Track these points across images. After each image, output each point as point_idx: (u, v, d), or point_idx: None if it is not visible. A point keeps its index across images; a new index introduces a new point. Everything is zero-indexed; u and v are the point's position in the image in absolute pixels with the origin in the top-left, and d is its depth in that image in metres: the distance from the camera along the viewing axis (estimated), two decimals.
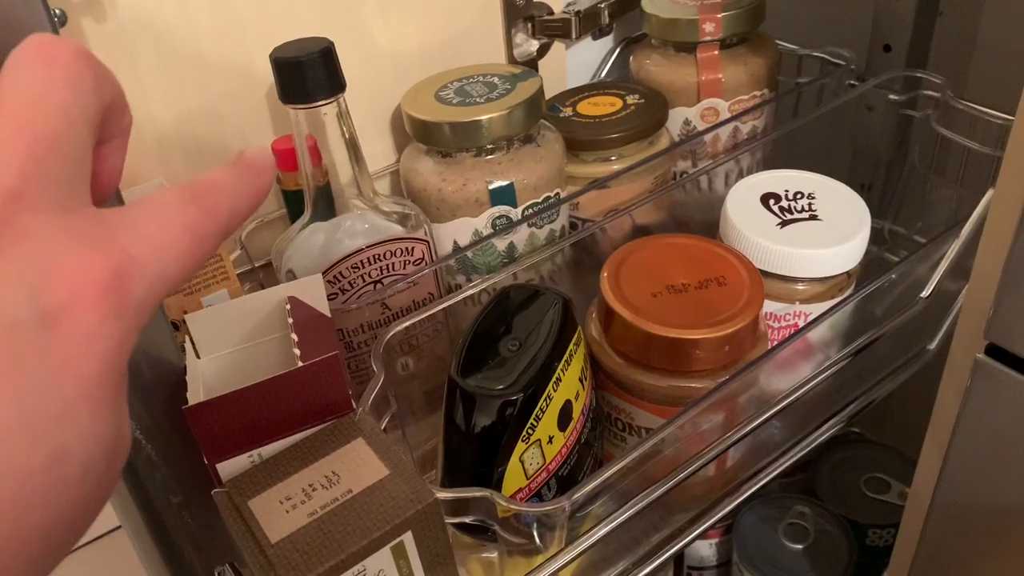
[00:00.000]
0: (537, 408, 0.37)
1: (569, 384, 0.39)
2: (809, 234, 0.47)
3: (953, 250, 0.47)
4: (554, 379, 0.38)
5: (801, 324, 0.49)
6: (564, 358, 0.39)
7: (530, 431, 0.37)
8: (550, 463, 0.39)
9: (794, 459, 0.47)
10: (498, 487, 0.37)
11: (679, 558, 0.75)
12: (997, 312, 0.41)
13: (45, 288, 0.20)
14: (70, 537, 0.21)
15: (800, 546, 0.70)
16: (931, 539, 0.51)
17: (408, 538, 0.33)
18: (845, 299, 0.46)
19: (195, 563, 0.47)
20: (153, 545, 0.45)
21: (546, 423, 0.38)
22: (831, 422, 0.49)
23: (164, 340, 0.39)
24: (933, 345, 0.52)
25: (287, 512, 0.33)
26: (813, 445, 0.48)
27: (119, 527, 0.66)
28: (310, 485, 0.34)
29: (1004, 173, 0.38)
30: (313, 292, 0.41)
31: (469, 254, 0.52)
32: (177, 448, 0.43)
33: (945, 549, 0.50)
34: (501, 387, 0.37)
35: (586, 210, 0.58)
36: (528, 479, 0.38)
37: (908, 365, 0.52)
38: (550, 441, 0.39)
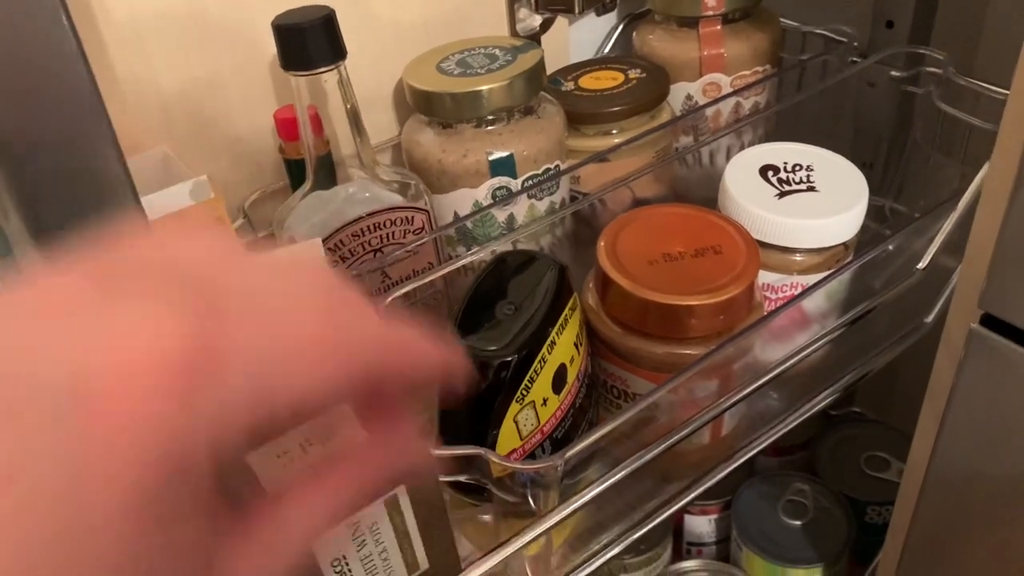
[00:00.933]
0: (531, 370, 0.38)
1: (564, 348, 0.40)
2: (807, 205, 0.48)
3: (950, 222, 0.47)
4: (548, 342, 0.39)
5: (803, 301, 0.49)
6: (559, 322, 0.39)
7: (524, 392, 0.38)
8: (544, 425, 0.39)
9: (789, 427, 0.48)
10: (492, 447, 0.38)
11: (678, 534, 0.76)
12: (991, 282, 0.41)
13: (92, 349, 0.16)
14: None
15: (799, 523, 0.71)
16: (926, 511, 0.51)
17: (402, 492, 0.33)
18: (841, 268, 0.46)
19: None
20: None
21: (540, 385, 0.38)
22: (826, 392, 0.49)
23: None
24: (930, 318, 0.52)
25: (284, 466, 0.33)
26: (808, 414, 0.48)
27: None
28: (306, 439, 0.34)
29: (999, 145, 0.39)
30: (312, 256, 0.41)
31: (469, 224, 0.52)
32: None
33: (940, 521, 0.51)
34: (495, 348, 0.37)
35: (587, 184, 0.58)
36: (522, 440, 0.39)
37: (905, 339, 0.52)
38: (544, 403, 0.39)
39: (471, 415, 0.38)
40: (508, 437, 0.38)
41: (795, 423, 0.48)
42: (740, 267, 0.43)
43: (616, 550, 0.44)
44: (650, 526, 0.45)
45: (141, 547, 0.16)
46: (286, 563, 0.21)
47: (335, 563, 0.33)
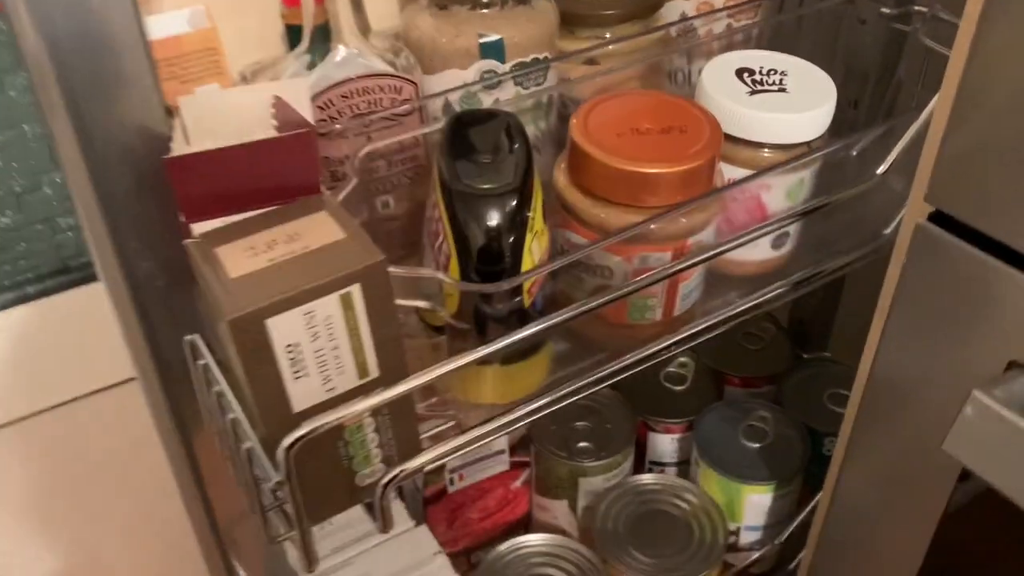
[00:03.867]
0: (532, 200, 0.40)
1: (538, 187, 0.42)
2: (777, 102, 0.50)
3: (912, 130, 0.49)
4: (535, 175, 0.41)
5: (762, 193, 0.51)
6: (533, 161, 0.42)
7: (532, 221, 0.40)
8: (545, 254, 0.42)
9: (737, 310, 0.50)
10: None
11: (641, 453, 0.78)
12: (936, 175, 0.43)
13: None
14: None
15: (757, 445, 0.73)
16: (867, 414, 0.53)
17: (356, 291, 0.36)
18: (801, 161, 0.48)
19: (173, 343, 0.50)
20: (138, 329, 0.48)
21: (537, 216, 0.41)
22: (777, 285, 0.51)
23: (157, 119, 0.42)
24: (888, 230, 0.54)
25: (249, 258, 0.36)
26: (758, 301, 0.50)
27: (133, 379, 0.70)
28: (273, 240, 0.37)
29: (957, 44, 0.40)
30: (297, 95, 0.44)
31: (456, 105, 0.54)
32: (161, 233, 0.46)
33: (880, 423, 0.53)
34: (502, 183, 0.39)
35: (578, 93, 0.60)
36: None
37: (861, 246, 0.54)
38: (542, 234, 0.42)
39: (495, 253, 0.40)
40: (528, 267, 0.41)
41: (744, 307, 0.50)
42: (703, 143, 0.45)
43: (562, 404, 0.46)
44: (596, 389, 0.47)
45: None
46: None
47: (289, 348, 0.35)
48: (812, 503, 0.72)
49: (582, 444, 0.73)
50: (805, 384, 0.79)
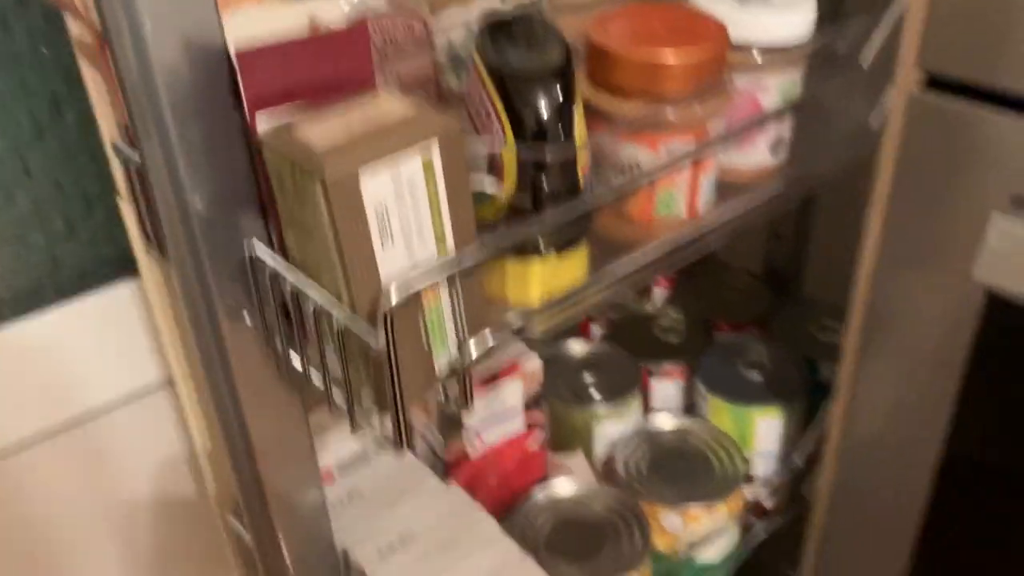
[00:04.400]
0: (573, 71, 0.43)
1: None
2: (763, 8, 0.54)
3: (892, 15, 0.54)
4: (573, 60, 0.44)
5: (759, 94, 0.55)
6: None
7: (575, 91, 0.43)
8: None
9: (753, 205, 0.53)
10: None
11: (646, 398, 0.80)
12: (927, 38, 0.47)
13: None
14: None
15: (758, 375, 0.76)
16: (880, 296, 0.56)
17: (436, 154, 0.37)
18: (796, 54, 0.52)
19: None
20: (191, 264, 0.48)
21: (579, 102, 0.43)
22: (781, 186, 0.55)
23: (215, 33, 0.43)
24: (873, 118, 0.58)
25: (329, 133, 0.37)
26: (768, 198, 0.54)
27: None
28: (347, 119, 0.38)
29: None
30: (333, 14, 0.45)
31: (460, 50, 0.57)
32: (214, 159, 0.46)
33: (891, 305, 0.55)
34: (550, 64, 0.42)
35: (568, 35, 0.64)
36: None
37: (854, 146, 0.58)
38: (582, 122, 0.44)
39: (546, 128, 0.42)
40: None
41: (758, 203, 0.54)
42: (712, 36, 0.49)
43: (595, 299, 0.48)
44: (627, 281, 0.49)
45: None
46: None
47: (378, 211, 0.36)
48: (823, 415, 0.75)
49: (592, 392, 0.75)
50: (790, 321, 0.83)
